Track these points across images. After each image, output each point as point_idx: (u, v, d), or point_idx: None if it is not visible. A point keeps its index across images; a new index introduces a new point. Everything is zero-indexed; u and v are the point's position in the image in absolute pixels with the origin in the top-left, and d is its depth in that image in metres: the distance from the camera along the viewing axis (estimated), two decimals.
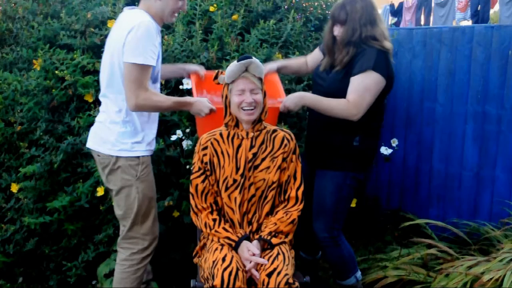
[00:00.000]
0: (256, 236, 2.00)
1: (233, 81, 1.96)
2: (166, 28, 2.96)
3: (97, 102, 2.62)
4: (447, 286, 2.36)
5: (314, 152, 2.39)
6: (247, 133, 2.02)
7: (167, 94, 2.63)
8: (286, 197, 2.06)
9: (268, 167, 2.02)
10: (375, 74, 2.15)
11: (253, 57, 1.93)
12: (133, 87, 1.98)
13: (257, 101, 1.96)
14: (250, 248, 1.92)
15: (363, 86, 2.15)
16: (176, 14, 2.15)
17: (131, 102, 2.01)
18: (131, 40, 1.96)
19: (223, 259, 1.87)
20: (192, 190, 2.06)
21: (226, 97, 2.00)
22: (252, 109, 1.95)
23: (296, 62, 2.61)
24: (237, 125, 2.02)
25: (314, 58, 2.54)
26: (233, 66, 1.93)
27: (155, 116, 2.23)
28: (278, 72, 2.51)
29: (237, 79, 1.95)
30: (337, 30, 2.25)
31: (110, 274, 2.48)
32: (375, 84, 2.16)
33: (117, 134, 2.10)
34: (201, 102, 2.12)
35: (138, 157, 2.13)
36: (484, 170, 3.12)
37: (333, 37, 2.29)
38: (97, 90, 2.62)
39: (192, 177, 2.05)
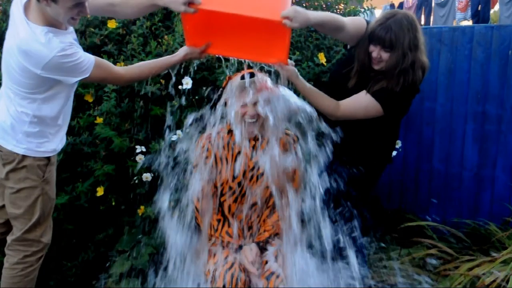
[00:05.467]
0: (256, 240, 1.99)
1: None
2: (166, 28, 2.96)
3: (97, 102, 2.62)
4: (447, 286, 2.36)
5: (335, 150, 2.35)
6: (248, 141, 1.98)
7: (166, 94, 2.62)
8: None
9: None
10: (381, 108, 2.12)
11: (256, 73, 1.89)
12: (108, 81, 2.08)
13: (260, 113, 1.94)
14: (246, 254, 1.92)
15: (364, 107, 2.13)
16: (77, 19, 1.86)
17: (120, 85, 2.13)
18: (69, 71, 1.83)
19: (226, 261, 1.88)
20: None
21: (226, 104, 1.97)
22: (254, 121, 1.93)
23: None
24: None
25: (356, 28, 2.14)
26: (237, 82, 1.90)
27: (67, 115, 2.07)
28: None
29: (240, 92, 1.92)
30: (377, 52, 2.08)
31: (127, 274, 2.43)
32: (375, 112, 2.14)
33: (23, 133, 1.93)
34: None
35: (48, 157, 1.99)
36: (484, 170, 3.12)
37: (369, 57, 2.12)
38: (97, 90, 2.62)
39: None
